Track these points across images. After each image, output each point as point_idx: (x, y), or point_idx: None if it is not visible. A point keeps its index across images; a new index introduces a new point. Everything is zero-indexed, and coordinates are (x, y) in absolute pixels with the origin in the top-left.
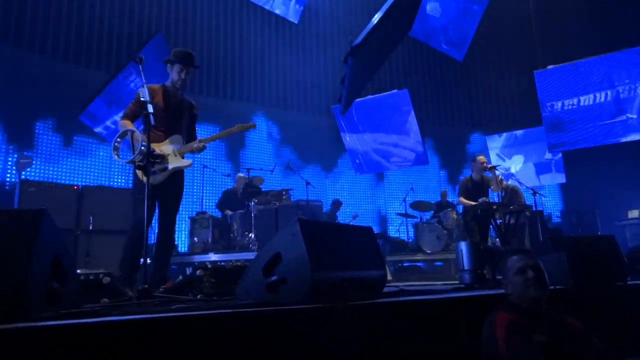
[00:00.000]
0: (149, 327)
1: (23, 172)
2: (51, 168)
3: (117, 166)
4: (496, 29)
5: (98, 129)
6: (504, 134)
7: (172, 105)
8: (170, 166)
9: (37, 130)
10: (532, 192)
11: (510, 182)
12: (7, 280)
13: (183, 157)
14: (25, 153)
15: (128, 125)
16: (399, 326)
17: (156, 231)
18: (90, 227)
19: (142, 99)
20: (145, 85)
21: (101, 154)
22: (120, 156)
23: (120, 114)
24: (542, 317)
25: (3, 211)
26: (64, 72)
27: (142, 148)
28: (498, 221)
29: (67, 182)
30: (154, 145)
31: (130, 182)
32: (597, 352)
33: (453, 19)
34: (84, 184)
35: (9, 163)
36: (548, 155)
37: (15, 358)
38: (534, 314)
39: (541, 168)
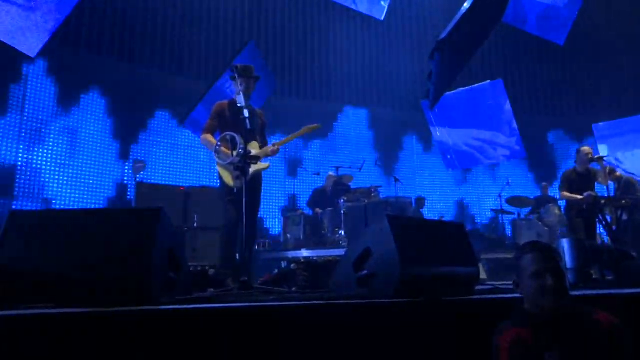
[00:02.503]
0: (250, 314)
1: (138, 175)
2: (161, 171)
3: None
4: (602, 7)
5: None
6: (614, 122)
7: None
8: (251, 170)
9: (148, 137)
10: None
11: (619, 172)
12: (132, 269)
13: (260, 161)
14: (139, 158)
15: (210, 139)
16: (490, 324)
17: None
18: (195, 224)
19: (238, 104)
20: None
21: (201, 157)
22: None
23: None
24: (560, 326)
25: (127, 210)
26: (168, 83)
27: (240, 150)
28: (608, 217)
29: (175, 183)
30: (234, 152)
31: None
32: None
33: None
34: (189, 185)
35: (126, 168)
36: None
37: (141, 338)
38: (549, 324)
39: None
